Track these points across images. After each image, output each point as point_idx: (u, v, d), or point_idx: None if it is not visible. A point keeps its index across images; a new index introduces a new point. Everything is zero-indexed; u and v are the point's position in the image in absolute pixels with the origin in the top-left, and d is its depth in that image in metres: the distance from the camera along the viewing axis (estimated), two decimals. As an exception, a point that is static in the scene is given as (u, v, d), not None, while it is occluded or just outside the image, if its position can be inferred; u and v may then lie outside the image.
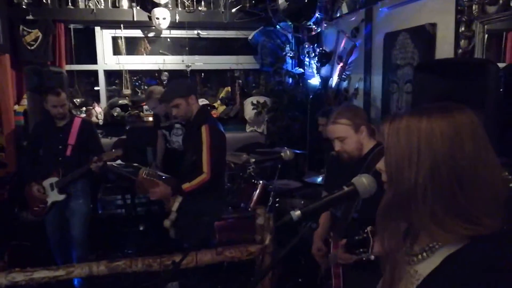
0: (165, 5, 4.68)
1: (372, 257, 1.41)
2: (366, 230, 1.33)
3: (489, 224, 0.80)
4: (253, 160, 1.92)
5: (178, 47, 5.27)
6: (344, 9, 4.16)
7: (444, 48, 2.81)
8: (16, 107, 4.30)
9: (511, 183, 0.87)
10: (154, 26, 4.75)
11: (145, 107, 4.81)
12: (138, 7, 4.67)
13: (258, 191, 3.31)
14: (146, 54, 5.16)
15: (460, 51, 2.61)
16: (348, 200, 1.04)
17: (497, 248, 0.79)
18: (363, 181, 0.90)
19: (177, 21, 4.73)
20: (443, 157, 0.80)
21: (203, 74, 5.57)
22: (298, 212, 0.94)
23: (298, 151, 3.60)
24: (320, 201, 0.96)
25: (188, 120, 2.85)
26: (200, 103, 4.98)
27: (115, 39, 5.06)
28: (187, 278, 2.56)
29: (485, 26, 2.45)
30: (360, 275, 1.67)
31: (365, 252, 1.31)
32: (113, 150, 3.32)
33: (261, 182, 3.32)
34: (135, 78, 5.41)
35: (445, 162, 0.80)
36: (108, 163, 3.49)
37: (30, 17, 4.32)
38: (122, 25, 4.83)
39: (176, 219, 2.69)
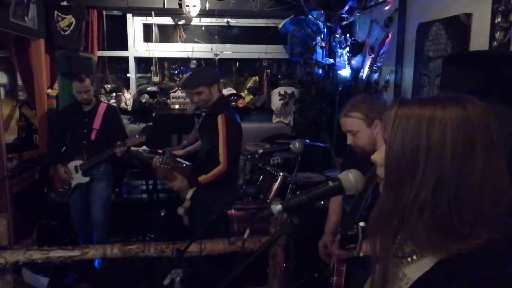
0: (196, -7, 4.67)
1: (361, 254, 1.34)
2: (356, 226, 1.26)
3: (486, 237, 0.74)
4: (261, 151, 1.86)
5: (207, 35, 5.27)
6: (382, -5, 3.99)
7: (479, 41, 2.63)
8: (49, 91, 4.43)
9: None
10: (184, 14, 4.76)
11: (173, 94, 4.85)
12: (169, -6, 4.69)
13: (277, 183, 3.27)
14: (181, 42, 5.19)
15: (495, 43, 2.45)
16: (332, 196, 0.97)
17: (490, 263, 0.73)
18: (349, 177, 0.84)
19: (207, 8, 4.72)
20: (450, 170, 0.73)
21: (238, 64, 5.54)
22: (279, 206, 0.90)
23: (322, 144, 3.52)
24: (303, 195, 0.91)
25: (206, 107, 2.85)
26: (228, 92, 5.02)
27: (147, 26, 5.12)
28: (198, 266, 2.57)
29: (523, 17, 2.28)
30: (363, 275, 1.59)
31: (355, 248, 1.23)
32: (137, 136, 3.38)
33: (281, 174, 3.27)
34: (174, 66, 5.46)
35: (450, 179, 0.73)
36: (132, 148, 3.56)
37: (65, 3, 4.43)
38: (153, 12, 4.87)
39: (190, 206, 2.70)
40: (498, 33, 2.45)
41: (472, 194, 0.73)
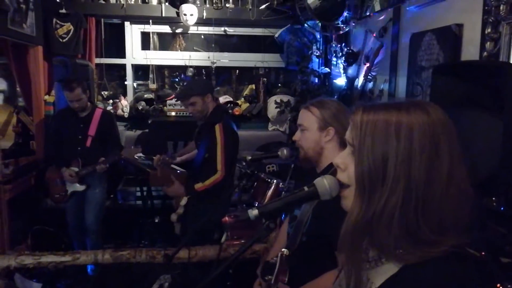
0: (193, 2, 4.73)
1: None
2: (279, 253, 1.02)
3: (451, 243, 0.75)
4: (249, 157, 1.88)
5: (205, 43, 5.32)
6: (377, 6, 4.04)
7: (470, 50, 2.67)
8: (47, 97, 4.45)
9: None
10: (182, 22, 4.80)
11: (169, 101, 4.88)
12: (166, 3, 4.74)
13: (271, 190, 3.28)
14: (181, 50, 5.24)
15: (485, 53, 2.48)
16: (308, 201, 0.97)
17: (456, 269, 0.74)
18: (323, 182, 0.86)
19: (204, 17, 4.76)
20: (418, 174, 0.74)
21: (237, 72, 5.58)
22: (255, 212, 0.92)
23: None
24: (278, 200, 0.93)
25: (203, 118, 2.88)
26: (225, 100, 5.06)
27: (145, 34, 5.16)
28: (188, 272, 2.57)
29: (512, 28, 2.31)
30: None
31: (270, 280, 1.00)
32: (133, 147, 3.34)
33: (275, 181, 3.28)
34: (174, 74, 5.50)
35: (419, 183, 0.74)
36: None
37: (63, 10, 4.47)
38: (151, 21, 4.92)
39: (183, 214, 2.71)
40: (488, 43, 2.49)
41: (438, 197, 0.74)
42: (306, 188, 0.89)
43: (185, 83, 4.99)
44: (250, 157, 1.95)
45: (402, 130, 0.75)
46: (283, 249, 1.02)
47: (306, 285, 1.43)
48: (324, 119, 1.66)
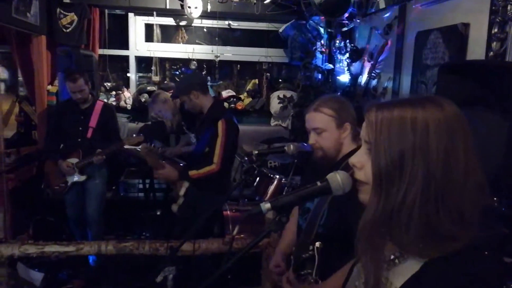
0: (198, -6, 4.71)
1: (319, 281, 1.14)
2: (312, 247, 1.05)
3: (471, 236, 0.75)
4: (256, 152, 1.88)
5: (209, 36, 5.31)
6: (382, 3, 4.02)
7: (476, 50, 2.67)
8: (50, 87, 4.44)
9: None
10: (186, 15, 4.79)
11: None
12: (171, -5, 4.73)
13: (274, 185, 3.30)
14: (183, 43, 5.23)
15: (491, 53, 2.48)
16: (320, 196, 0.98)
17: (482, 260, 0.75)
18: (336, 177, 0.86)
19: (208, 10, 4.75)
20: (436, 168, 0.74)
21: (239, 66, 5.56)
22: (268, 205, 0.92)
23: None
24: (291, 195, 0.93)
25: (202, 113, 2.89)
26: (227, 94, 5.06)
27: (149, 26, 5.15)
28: (192, 265, 2.59)
29: (519, 28, 2.31)
30: None
31: (310, 274, 1.01)
32: (134, 135, 3.36)
33: (277, 176, 3.30)
34: (175, 66, 5.49)
35: (437, 177, 0.74)
36: (128, 146, 3.57)
37: (67, 0, 4.45)
38: (155, 12, 4.90)
39: (182, 203, 2.72)
40: (494, 43, 2.49)
41: (457, 191, 0.74)
42: (319, 183, 0.89)
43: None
44: (256, 152, 1.95)
45: (418, 125, 0.75)
46: (317, 243, 0.99)
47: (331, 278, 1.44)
48: (339, 116, 1.66)
